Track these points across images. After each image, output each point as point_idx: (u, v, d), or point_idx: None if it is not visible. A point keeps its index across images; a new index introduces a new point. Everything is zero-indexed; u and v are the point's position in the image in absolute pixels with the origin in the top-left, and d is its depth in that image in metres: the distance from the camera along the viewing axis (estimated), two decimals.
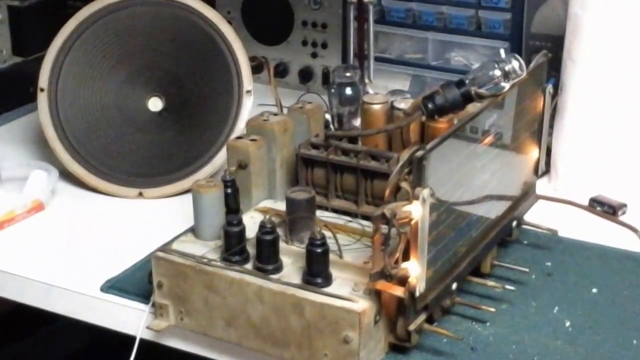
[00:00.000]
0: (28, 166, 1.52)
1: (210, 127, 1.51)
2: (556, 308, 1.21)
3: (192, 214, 1.43)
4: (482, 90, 1.13)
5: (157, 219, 1.45)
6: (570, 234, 1.37)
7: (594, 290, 1.25)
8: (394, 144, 1.27)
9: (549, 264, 1.30)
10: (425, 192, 1.01)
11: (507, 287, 1.20)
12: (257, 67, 1.77)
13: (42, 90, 1.52)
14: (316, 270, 1.10)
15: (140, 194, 1.50)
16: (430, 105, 1.14)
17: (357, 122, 1.42)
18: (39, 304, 1.31)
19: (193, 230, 1.21)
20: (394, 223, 1.01)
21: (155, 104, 1.57)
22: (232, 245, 1.14)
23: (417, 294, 1.05)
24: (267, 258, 1.12)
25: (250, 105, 1.51)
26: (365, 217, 1.23)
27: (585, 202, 1.46)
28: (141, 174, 1.51)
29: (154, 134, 1.55)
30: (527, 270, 1.25)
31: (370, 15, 1.59)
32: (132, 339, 1.22)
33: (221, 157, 1.50)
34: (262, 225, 1.11)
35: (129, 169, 1.52)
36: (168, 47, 1.55)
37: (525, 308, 1.21)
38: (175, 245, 1.19)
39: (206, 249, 1.17)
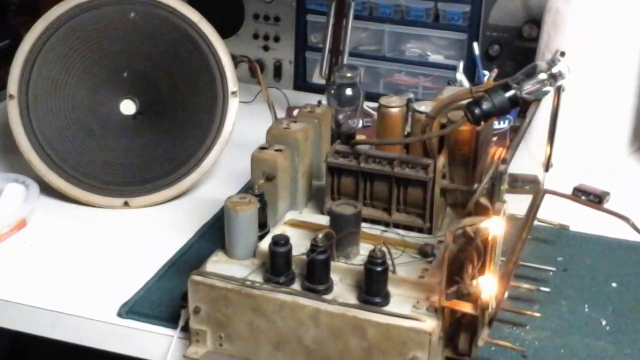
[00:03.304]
0: (2, 179, 1.31)
1: (195, 130, 1.34)
2: (586, 306, 1.12)
3: (181, 221, 1.29)
4: (526, 95, 1.02)
5: (148, 230, 1.28)
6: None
7: (614, 284, 1.17)
8: (412, 148, 1.15)
9: (561, 258, 1.22)
10: (505, 207, 0.90)
11: (542, 288, 1.11)
12: None
13: (11, 97, 1.30)
14: (375, 290, 0.97)
15: (126, 204, 1.31)
16: (477, 111, 1.01)
17: (355, 122, 1.29)
18: (45, 334, 1.12)
19: (224, 249, 1.05)
20: (477, 241, 0.89)
21: (127, 107, 1.38)
22: (279, 265, 0.99)
23: (490, 309, 0.95)
24: (319, 278, 0.98)
25: (237, 107, 1.35)
26: (396, 225, 1.11)
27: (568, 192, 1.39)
28: (125, 183, 1.32)
29: (130, 138, 1.36)
30: (553, 269, 1.16)
31: (350, 12, 1.44)
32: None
33: (209, 161, 1.33)
34: (314, 245, 0.97)
35: (111, 177, 1.32)
36: (142, 48, 1.35)
37: (557, 308, 1.12)
38: (209, 267, 1.03)
39: (244, 268, 1.02)
